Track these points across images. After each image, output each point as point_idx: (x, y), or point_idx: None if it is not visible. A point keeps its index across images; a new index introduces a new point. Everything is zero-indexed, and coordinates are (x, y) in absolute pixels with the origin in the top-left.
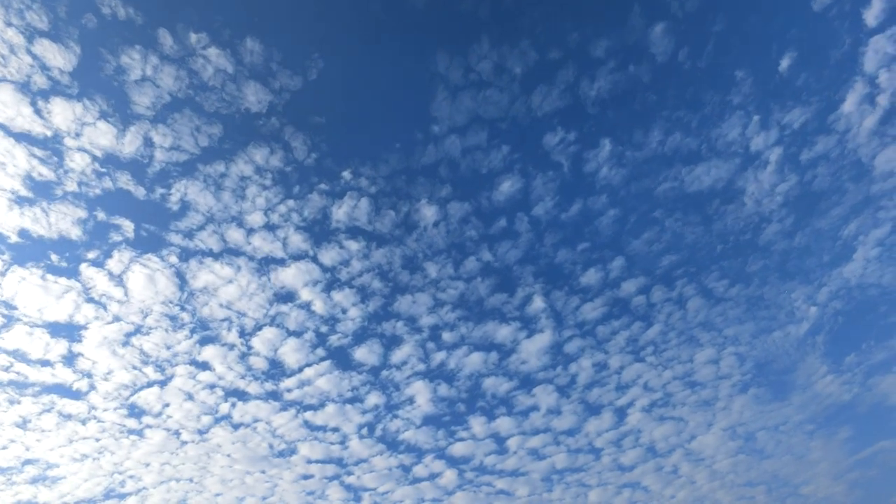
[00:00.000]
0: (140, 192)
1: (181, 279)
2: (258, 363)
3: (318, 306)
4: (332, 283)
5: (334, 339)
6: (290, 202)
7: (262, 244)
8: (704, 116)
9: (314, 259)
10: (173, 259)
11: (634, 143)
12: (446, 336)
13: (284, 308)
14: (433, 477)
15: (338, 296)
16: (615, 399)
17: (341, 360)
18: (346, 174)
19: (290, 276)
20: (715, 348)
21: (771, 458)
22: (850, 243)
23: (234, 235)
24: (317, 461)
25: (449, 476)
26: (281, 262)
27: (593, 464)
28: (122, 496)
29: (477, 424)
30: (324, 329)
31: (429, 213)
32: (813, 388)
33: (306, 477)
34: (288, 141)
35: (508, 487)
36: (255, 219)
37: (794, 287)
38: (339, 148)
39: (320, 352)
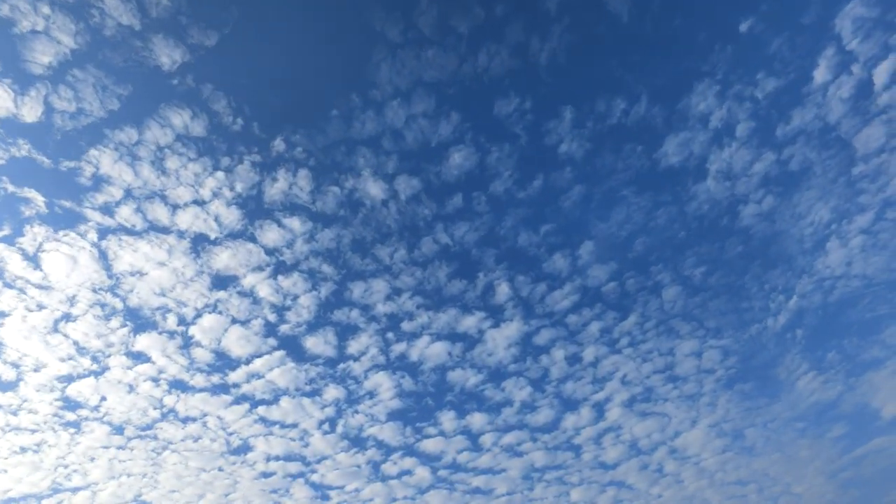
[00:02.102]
0: (46, 161)
1: (105, 260)
2: (201, 354)
3: (265, 292)
4: (277, 266)
5: (285, 329)
6: (220, 175)
7: (192, 221)
8: (670, 84)
9: (253, 239)
10: (92, 236)
11: (597, 114)
12: (406, 326)
13: (225, 294)
14: (403, 474)
15: (285, 281)
16: (592, 393)
17: (294, 350)
18: (278, 143)
19: (228, 257)
20: (696, 341)
21: (760, 457)
22: (831, 231)
23: (159, 212)
24: (277, 458)
25: (421, 474)
26: (215, 243)
27: (574, 462)
28: (71, 491)
29: (446, 420)
30: (272, 317)
31: (375, 189)
32: (795, 386)
33: (267, 475)
34: (208, 104)
35: (485, 485)
36: (181, 193)
37: (774, 276)
38: (267, 114)
39: (271, 342)
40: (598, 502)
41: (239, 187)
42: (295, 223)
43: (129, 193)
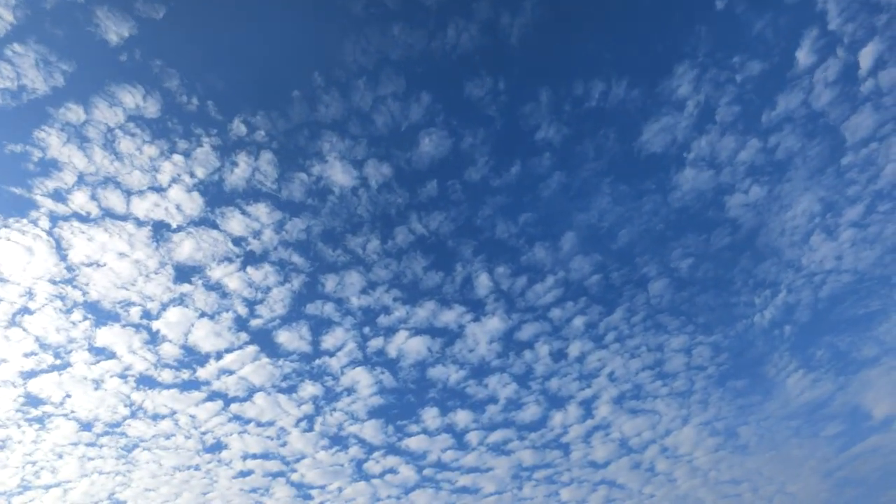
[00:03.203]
0: None
1: (60, 250)
2: (169, 349)
3: (234, 285)
4: (246, 258)
5: (257, 323)
6: (178, 159)
7: (151, 209)
8: (649, 66)
9: (218, 228)
10: (45, 224)
11: (574, 96)
12: (383, 320)
13: (190, 286)
14: (387, 473)
15: (255, 273)
16: (579, 390)
17: (267, 345)
18: (237, 126)
19: (191, 248)
20: (685, 336)
21: (754, 455)
22: (820, 224)
23: (114, 198)
24: (255, 456)
25: (405, 473)
26: (177, 231)
27: (563, 460)
28: (43, 488)
29: (429, 418)
30: (243, 311)
31: (344, 177)
32: (788, 384)
33: (245, 473)
34: (159, 81)
35: (472, 485)
36: (137, 179)
37: (763, 270)
38: (223, 93)
39: (243, 336)
40: (589, 501)
41: (199, 173)
42: (261, 211)
43: (81, 179)
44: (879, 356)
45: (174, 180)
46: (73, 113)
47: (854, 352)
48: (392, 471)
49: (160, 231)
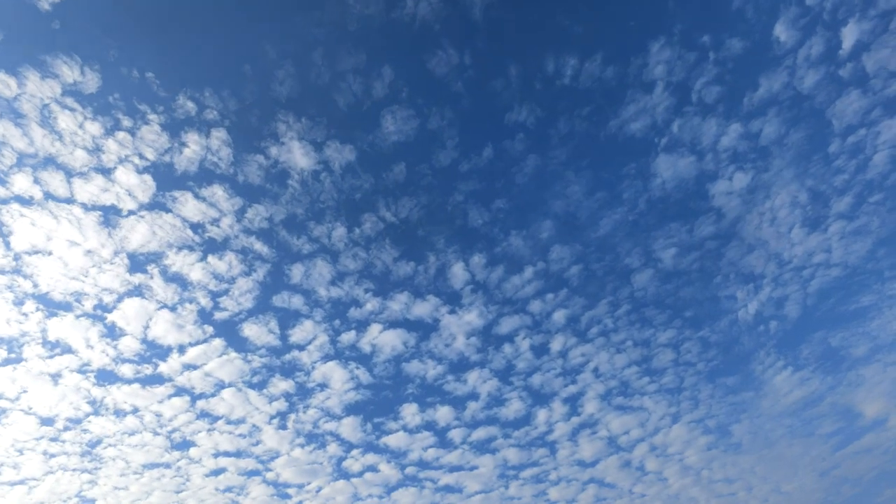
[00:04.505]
0: None
1: (2, 236)
2: (128, 343)
3: (195, 275)
4: (206, 246)
5: (221, 316)
6: (123, 137)
7: (98, 194)
8: (624, 42)
9: (173, 214)
10: None
11: (545, 73)
12: (354, 312)
13: (146, 276)
14: (366, 472)
15: (217, 262)
16: (564, 387)
17: (233, 339)
18: (184, 102)
19: (146, 234)
20: (673, 331)
21: (747, 454)
22: (807, 214)
23: (58, 180)
24: (227, 454)
25: (387, 471)
26: (127, 216)
27: (550, 459)
28: (8, 485)
29: (409, 414)
30: (206, 302)
31: (304, 160)
32: (781, 382)
33: (218, 472)
34: (98, 52)
35: (456, 483)
36: (80, 158)
37: (749, 262)
38: (168, 67)
39: (208, 329)
40: (578, 501)
41: (148, 154)
42: (218, 196)
43: (21, 159)
44: (873, 353)
45: (121, 161)
46: (4, 85)
47: (846, 349)
48: (373, 469)
49: (110, 216)
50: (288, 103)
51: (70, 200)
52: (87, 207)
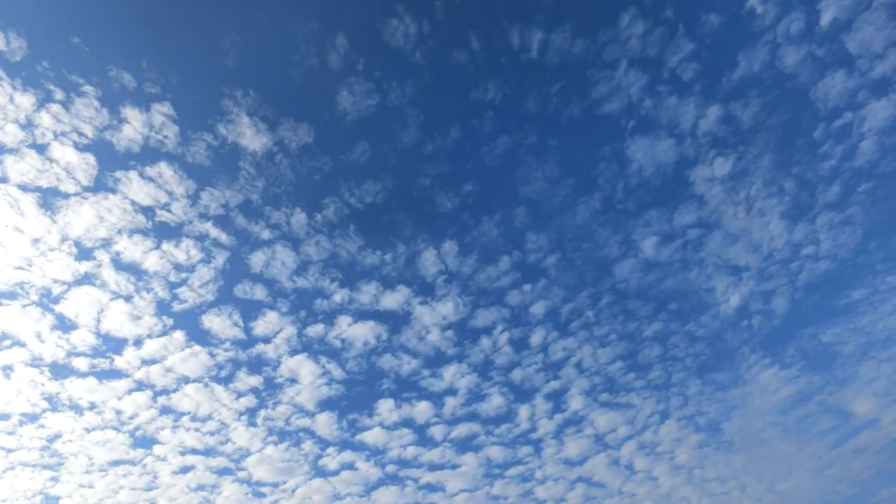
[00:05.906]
0: None
1: None
2: (81, 336)
3: (149, 262)
4: (158, 231)
5: (180, 307)
6: (56, 110)
7: (36, 174)
8: (592, 12)
9: (121, 196)
10: None
11: (510, 46)
12: (320, 304)
13: (94, 264)
14: (344, 470)
15: (172, 249)
16: (545, 382)
17: (194, 331)
18: (120, 73)
19: (91, 218)
20: (659, 324)
21: (741, 453)
22: (794, 204)
23: None
24: (194, 452)
25: (365, 469)
26: (70, 197)
27: (534, 457)
28: None
29: (385, 410)
30: (163, 292)
31: (256, 139)
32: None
33: (186, 469)
34: (22, 16)
35: (438, 482)
36: (12, 133)
37: (734, 254)
38: (100, 35)
39: (167, 321)
40: (567, 500)
41: (87, 130)
42: (167, 177)
43: None
44: (866, 349)
45: (56, 136)
46: None
47: (838, 345)
48: (350, 467)
49: (50, 198)
50: (234, 76)
51: (4, 180)
52: (24, 188)
